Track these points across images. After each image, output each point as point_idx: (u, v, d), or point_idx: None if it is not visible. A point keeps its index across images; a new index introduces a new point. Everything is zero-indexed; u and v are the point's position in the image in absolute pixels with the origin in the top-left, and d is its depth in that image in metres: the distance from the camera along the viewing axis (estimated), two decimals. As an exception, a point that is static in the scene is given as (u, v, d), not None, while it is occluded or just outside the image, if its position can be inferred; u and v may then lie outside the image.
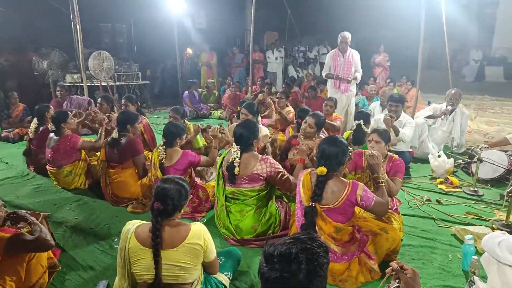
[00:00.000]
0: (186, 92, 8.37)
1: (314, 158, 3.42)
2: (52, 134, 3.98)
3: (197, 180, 3.69)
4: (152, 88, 10.76)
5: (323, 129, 3.89)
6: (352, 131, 3.96)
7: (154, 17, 10.28)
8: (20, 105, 6.41)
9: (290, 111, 5.63)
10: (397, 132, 4.20)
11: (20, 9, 8.89)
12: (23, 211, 2.26)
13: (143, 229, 1.95)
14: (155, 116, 8.32)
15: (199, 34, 11.71)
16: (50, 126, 3.95)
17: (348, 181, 2.31)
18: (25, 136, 5.73)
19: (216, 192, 3.04)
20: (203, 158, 3.40)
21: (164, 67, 11.63)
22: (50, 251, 2.19)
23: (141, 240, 1.92)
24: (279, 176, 2.83)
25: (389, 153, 3.11)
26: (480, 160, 3.81)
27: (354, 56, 5.56)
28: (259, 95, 8.03)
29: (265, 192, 2.90)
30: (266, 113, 5.59)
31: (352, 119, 5.67)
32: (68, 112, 4.18)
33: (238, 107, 4.56)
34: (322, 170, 2.26)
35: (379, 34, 11.81)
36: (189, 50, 11.23)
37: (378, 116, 4.72)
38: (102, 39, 10.77)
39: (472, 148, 4.64)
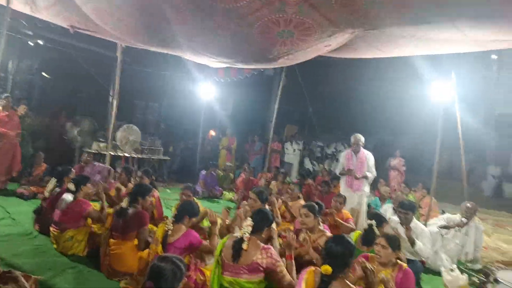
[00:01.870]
0: (203, 171, 8.56)
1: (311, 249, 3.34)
2: (64, 196, 4.07)
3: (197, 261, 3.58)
4: (172, 164, 11.09)
5: (323, 224, 3.87)
6: (361, 232, 3.88)
7: (184, 99, 11.12)
8: (43, 165, 6.70)
9: (300, 204, 5.57)
10: (412, 243, 4.08)
11: (65, 78, 9.87)
12: (18, 272, 2.24)
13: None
14: (168, 190, 8.42)
15: (224, 118, 12.42)
16: (70, 185, 4.06)
17: (354, 287, 2.21)
18: (39, 194, 5.91)
19: (211, 283, 2.89)
20: (204, 244, 3.31)
21: (186, 146, 12.12)
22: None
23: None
24: (277, 270, 2.71)
25: (399, 261, 2.98)
26: (497, 281, 3.57)
27: (367, 157, 5.72)
28: (272, 182, 8.12)
29: (264, 284, 2.77)
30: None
31: (362, 220, 5.57)
32: (89, 177, 4.37)
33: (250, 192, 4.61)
34: (327, 269, 2.18)
35: (397, 138, 12.17)
36: (212, 132, 11.80)
37: (392, 217, 4.63)
38: (134, 114, 11.56)
39: (488, 266, 4.38)
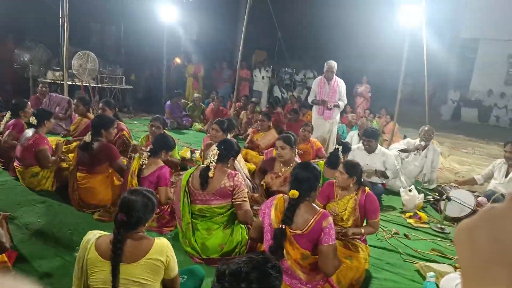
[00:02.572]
0: (169, 102, 8.31)
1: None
2: (27, 131, 3.85)
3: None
4: (135, 93, 10.64)
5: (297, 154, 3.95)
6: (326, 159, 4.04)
7: (145, 22, 10.26)
8: (-4, 97, 6.20)
9: (274, 138, 5.57)
10: (385, 177, 4.36)
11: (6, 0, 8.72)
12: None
13: (104, 240, 1.89)
14: (135, 122, 8.20)
15: (189, 44, 11.75)
16: (31, 119, 3.81)
17: (320, 209, 2.33)
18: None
19: (181, 210, 2.98)
20: (167, 189, 3.25)
21: (150, 74, 11.55)
22: (4, 254, 2.09)
23: (101, 252, 1.86)
24: (239, 193, 2.82)
25: (362, 185, 3.16)
26: (448, 199, 3.93)
27: (339, 84, 5.68)
28: (242, 112, 8.09)
29: (233, 209, 2.90)
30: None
31: (332, 147, 5.77)
32: (52, 113, 4.11)
33: None
34: (294, 193, 2.27)
35: (363, 65, 12.20)
36: (178, 60, 11.24)
37: (355, 146, 4.82)
38: (90, 39, 10.64)
39: (442, 185, 4.79)
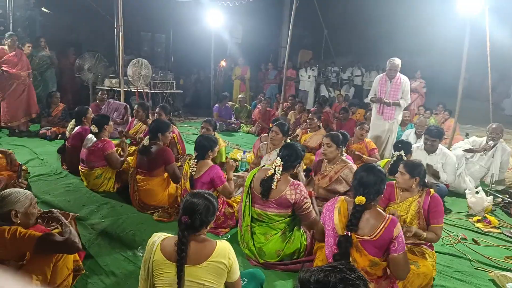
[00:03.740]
0: (217, 105, 8.45)
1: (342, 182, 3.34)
2: (90, 135, 4.09)
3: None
4: (184, 97, 10.98)
5: (346, 154, 3.81)
6: (389, 160, 3.86)
7: (192, 28, 10.58)
8: (61, 105, 6.67)
9: (323, 134, 5.46)
10: (436, 177, 4.07)
11: (67, 13, 9.40)
12: (56, 210, 2.30)
13: (169, 242, 1.93)
14: (185, 125, 8.44)
15: (234, 47, 11.91)
16: (92, 128, 4.05)
17: (387, 215, 2.21)
18: (61, 134, 6.00)
19: (242, 211, 2.98)
20: (225, 186, 3.31)
21: (198, 78, 11.87)
22: (76, 254, 2.21)
23: (166, 254, 1.89)
24: (303, 206, 2.74)
25: (426, 187, 2.97)
26: (523, 201, 3.58)
27: (403, 82, 5.27)
28: (290, 112, 8.02)
29: (292, 217, 2.84)
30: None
31: (391, 149, 5.51)
32: (109, 117, 4.34)
33: (271, 124, 4.55)
34: (361, 199, 2.17)
35: (416, 59, 11.58)
36: (223, 63, 11.42)
37: (414, 145, 4.54)
38: (141, 47, 11.16)
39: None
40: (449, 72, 9.80)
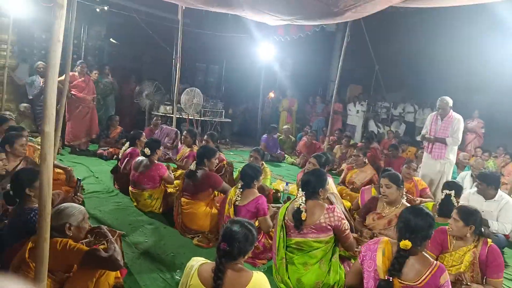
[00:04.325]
0: (265, 135, 8.55)
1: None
2: (141, 158, 4.32)
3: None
4: (232, 126, 11.28)
5: (405, 196, 3.60)
6: (436, 203, 3.62)
7: (244, 60, 11.02)
8: (118, 127, 7.17)
9: (368, 176, 5.28)
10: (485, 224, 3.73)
11: (132, 44, 10.27)
12: (104, 227, 2.43)
13: (206, 268, 1.95)
14: (231, 153, 8.61)
15: (283, 80, 12.16)
16: (146, 150, 4.29)
17: (434, 261, 2.07)
18: (116, 155, 6.40)
19: (276, 244, 2.92)
20: (267, 218, 3.31)
21: (246, 108, 12.19)
22: (118, 271, 2.29)
23: (203, 279, 1.91)
24: (343, 229, 2.71)
25: (483, 236, 2.74)
26: None
27: (454, 120, 4.98)
28: (336, 146, 7.91)
29: (331, 244, 2.76)
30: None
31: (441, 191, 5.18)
32: (160, 141, 4.62)
33: None
34: (406, 244, 2.05)
35: (473, 98, 11.01)
36: (272, 94, 11.67)
37: (470, 190, 4.22)
38: (196, 77, 11.78)
39: None
40: (507, 111, 9.18)
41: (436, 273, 1.98)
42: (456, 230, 2.64)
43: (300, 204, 2.72)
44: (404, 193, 3.50)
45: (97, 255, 2.03)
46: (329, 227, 2.68)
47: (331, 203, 3.35)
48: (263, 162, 4.56)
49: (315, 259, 2.73)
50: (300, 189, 2.83)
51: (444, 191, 3.60)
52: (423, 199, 4.44)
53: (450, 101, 4.99)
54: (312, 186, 2.79)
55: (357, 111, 11.01)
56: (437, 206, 3.63)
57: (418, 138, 5.44)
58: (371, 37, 9.09)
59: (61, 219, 2.14)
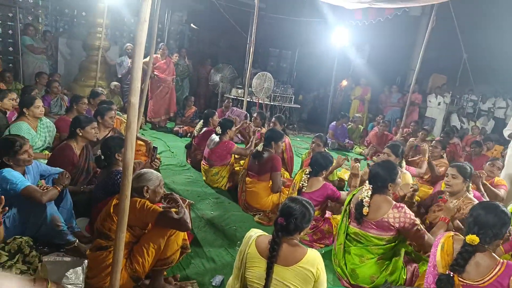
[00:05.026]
0: (334, 123, 8.40)
1: (458, 221, 2.97)
2: (214, 136, 4.59)
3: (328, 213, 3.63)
4: (301, 112, 11.25)
5: (473, 191, 3.34)
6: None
7: (318, 46, 10.82)
8: (193, 107, 7.64)
9: (443, 164, 5.00)
10: None
11: (210, 29, 10.72)
12: (176, 194, 2.68)
13: (263, 240, 2.05)
14: (298, 139, 8.64)
15: (359, 67, 11.70)
16: (218, 129, 4.54)
17: (502, 260, 1.92)
18: (190, 133, 6.85)
19: (338, 229, 2.94)
20: (343, 195, 3.34)
21: (317, 95, 12.03)
22: (186, 234, 2.52)
23: (260, 249, 2.02)
24: (414, 228, 2.56)
25: None
26: None
27: None
28: (411, 139, 7.46)
29: (393, 244, 2.66)
30: (416, 159, 5.09)
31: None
32: (233, 121, 4.82)
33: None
34: (474, 239, 1.93)
35: None
36: (344, 82, 11.32)
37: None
38: (268, 62, 11.91)
39: None
40: None
41: (505, 272, 1.84)
42: None
43: (364, 198, 2.66)
44: (470, 188, 3.26)
45: (169, 216, 2.26)
46: (392, 227, 2.58)
47: (404, 198, 3.24)
48: (325, 149, 4.50)
49: (372, 255, 2.67)
50: (367, 182, 2.76)
51: None
52: (492, 188, 3.94)
53: None
54: (381, 179, 2.68)
55: (439, 103, 10.19)
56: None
57: (506, 136, 4.89)
58: (460, 22, 8.26)
59: (140, 182, 2.41)
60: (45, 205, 2.49)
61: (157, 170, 4.45)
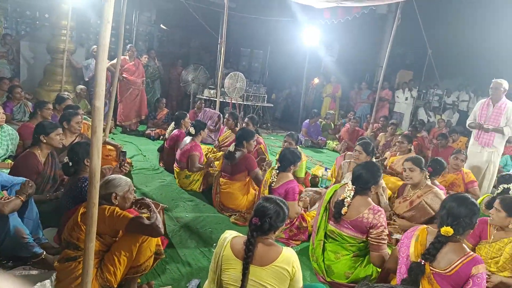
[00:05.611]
0: (307, 121, 8.49)
1: (425, 207, 3.09)
2: (186, 138, 4.52)
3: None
4: (274, 111, 11.31)
5: (439, 184, 3.50)
6: (490, 195, 3.45)
7: (289, 45, 10.91)
8: (165, 109, 7.51)
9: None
10: None
11: (180, 29, 10.58)
12: (148, 199, 2.61)
13: (238, 241, 2.04)
14: (272, 138, 8.68)
15: (329, 65, 11.90)
16: (191, 129, 4.47)
17: (470, 252, 2.00)
18: (162, 136, 6.73)
19: (317, 224, 2.96)
20: (295, 204, 3.30)
21: (290, 93, 12.12)
22: (159, 239, 2.46)
23: (235, 251, 2.00)
24: (379, 230, 2.56)
25: None
26: None
27: (508, 108, 4.68)
28: (380, 134, 7.67)
29: (366, 243, 2.71)
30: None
31: (490, 181, 4.88)
32: (206, 124, 4.75)
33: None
34: (448, 230, 2.00)
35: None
36: (316, 80, 11.49)
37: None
38: (240, 62, 11.89)
39: None
40: None
41: (469, 263, 1.92)
42: (497, 221, 2.53)
43: (346, 198, 2.67)
44: (427, 176, 3.45)
45: (140, 222, 2.20)
46: (365, 227, 2.60)
47: (378, 199, 3.33)
48: (298, 147, 4.55)
49: (347, 251, 2.72)
50: (350, 183, 2.76)
51: (501, 185, 3.44)
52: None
53: (506, 84, 4.68)
54: (364, 181, 2.68)
55: (406, 98, 10.52)
56: (489, 199, 3.46)
57: (467, 126, 5.14)
58: (424, 19, 8.56)
59: (108, 189, 2.33)
60: (7, 216, 2.37)
61: (129, 174, 4.37)
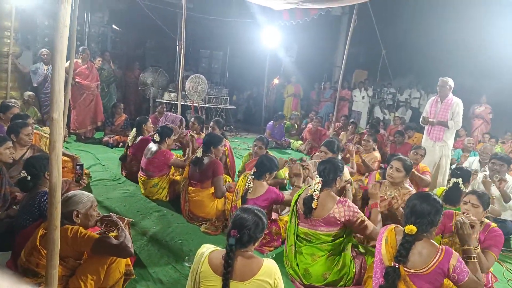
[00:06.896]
0: (271, 123, 8.49)
1: (399, 208, 3.17)
2: (151, 145, 4.30)
3: (274, 214, 3.60)
4: (237, 113, 11.24)
5: (409, 181, 3.60)
6: (445, 188, 3.60)
7: (248, 46, 10.89)
8: (123, 115, 7.15)
9: (376, 159, 5.30)
10: (507, 199, 3.68)
11: (135, 30, 10.17)
12: (114, 215, 2.43)
13: (216, 255, 1.95)
14: (236, 140, 8.59)
15: (289, 65, 12.03)
16: (156, 137, 4.27)
17: (440, 246, 2.06)
18: (122, 143, 6.40)
19: (287, 230, 2.94)
20: (287, 196, 3.32)
21: (251, 94, 12.11)
22: (128, 258, 2.30)
23: (213, 266, 1.91)
24: (358, 221, 2.66)
25: (486, 219, 2.76)
26: None
27: (454, 103, 5.00)
28: (342, 133, 7.85)
29: (341, 238, 2.74)
30: (346, 156, 5.35)
31: (444, 174, 5.14)
32: (173, 130, 4.56)
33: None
34: (411, 228, 2.04)
35: (482, 83, 10.84)
36: (276, 81, 11.57)
37: (480, 174, 4.21)
38: (200, 64, 11.68)
39: None
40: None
41: (444, 259, 1.97)
42: (475, 216, 2.60)
43: (314, 192, 2.71)
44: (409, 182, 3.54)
45: (107, 242, 2.04)
46: (338, 221, 2.65)
47: (343, 190, 3.34)
48: (268, 151, 4.51)
49: (323, 252, 2.73)
50: (316, 177, 2.80)
51: (452, 179, 3.58)
52: (419, 175, 4.34)
53: (451, 82, 5.01)
54: (328, 175, 2.77)
55: (363, 97, 10.90)
56: (444, 193, 3.60)
57: (420, 122, 5.42)
58: (378, 20, 8.92)
59: (69, 206, 2.14)
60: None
61: (87, 186, 4.09)
